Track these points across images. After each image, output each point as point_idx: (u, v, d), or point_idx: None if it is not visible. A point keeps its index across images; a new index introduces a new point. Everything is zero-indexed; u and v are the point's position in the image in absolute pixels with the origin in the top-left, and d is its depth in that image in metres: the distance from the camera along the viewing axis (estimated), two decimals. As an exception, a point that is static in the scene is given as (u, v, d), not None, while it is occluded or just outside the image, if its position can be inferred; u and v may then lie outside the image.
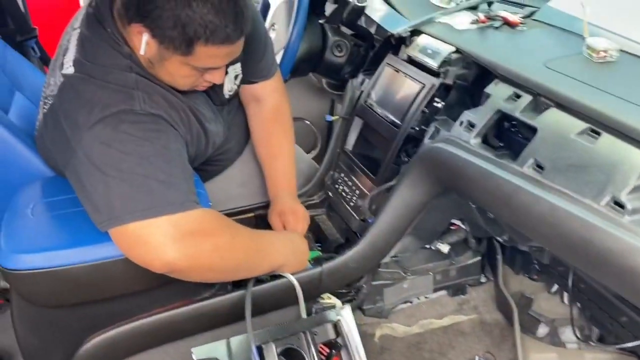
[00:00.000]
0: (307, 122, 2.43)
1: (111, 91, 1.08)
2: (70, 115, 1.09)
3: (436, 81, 1.31)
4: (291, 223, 1.41)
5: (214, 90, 1.32)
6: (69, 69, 1.14)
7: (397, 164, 1.35)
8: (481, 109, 1.16)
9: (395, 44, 1.55)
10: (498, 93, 1.15)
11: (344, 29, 1.90)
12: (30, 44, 1.90)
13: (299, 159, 1.56)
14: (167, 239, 1.02)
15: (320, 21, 1.80)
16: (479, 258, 1.52)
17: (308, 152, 2.30)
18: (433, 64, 1.34)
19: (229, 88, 1.39)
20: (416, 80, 1.36)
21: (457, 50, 1.32)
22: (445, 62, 1.32)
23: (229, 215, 1.56)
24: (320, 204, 1.66)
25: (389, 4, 1.61)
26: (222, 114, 1.39)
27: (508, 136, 1.17)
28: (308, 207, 1.63)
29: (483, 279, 1.58)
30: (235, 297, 1.24)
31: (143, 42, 1.05)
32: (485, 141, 1.15)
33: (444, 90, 1.31)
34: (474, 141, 1.15)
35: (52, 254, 1.08)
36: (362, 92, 1.58)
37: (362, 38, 1.77)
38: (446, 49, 1.34)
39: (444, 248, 1.44)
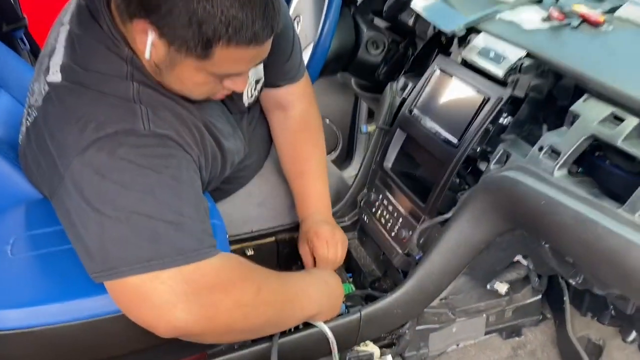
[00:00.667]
0: (327, 120, 2.21)
1: (108, 105, 0.86)
2: (57, 135, 0.88)
3: (504, 93, 1.08)
4: (323, 250, 1.19)
5: (232, 98, 1.10)
6: (55, 75, 0.92)
7: (453, 190, 1.12)
8: (568, 132, 0.93)
9: (445, 43, 1.31)
10: (590, 113, 0.92)
11: (377, 21, 1.67)
12: (18, 34, 1.66)
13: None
14: (177, 298, 0.81)
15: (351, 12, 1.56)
16: (539, 297, 1.30)
17: (328, 153, 2.08)
18: (497, 70, 1.10)
19: (249, 94, 1.17)
20: (478, 89, 1.12)
21: (529, 55, 1.09)
22: (514, 70, 1.09)
23: (247, 240, 1.38)
24: (351, 227, 1.44)
25: (438, -6, 1.36)
26: (241, 125, 1.16)
27: (590, 160, 0.94)
28: (338, 231, 1.42)
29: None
30: (258, 352, 1.04)
31: (148, 44, 0.83)
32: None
33: (511, 104, 1.08)
34: (559, 173, 0.92)
35: (36, 310, 0.86)
36: (404, 99, 1.34)
37: (401, 33, 1.53)
38: (514, 53, 1.10)
39: (502, 288, 1.22)
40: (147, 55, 0.84)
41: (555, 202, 0.89)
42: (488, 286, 1.23)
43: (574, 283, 1.13)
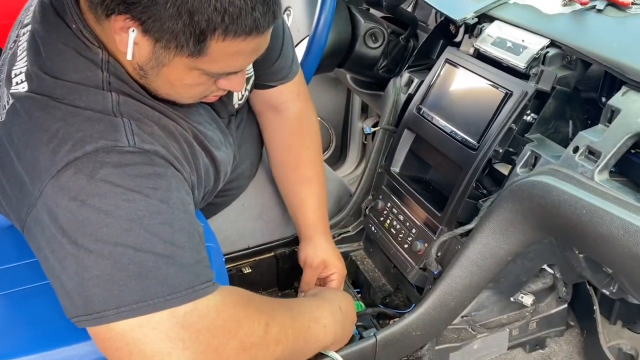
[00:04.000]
0: (318, 118, 2.09)
1: (84, 120, 0.73)
2: (27, 156, 0.75)
3: (528, 87, 0.96)
4: (328, 278, 1.11)
5: (221, 100, 0.97)
6: (20, 85, 0.78)
7: (473, 197, 1.01)
8: (608, 130, 0.83)
9: (452, 33, 1.20)
10: (632, 108, 0.81)
11: (373, 10, 1.54)
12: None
13: (326, 177, 1.21)
14: (172, 345, 0.69)
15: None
16: (564, 306, 1.20)
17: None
18: (518, 62, 1.00)
19: (239, 96, 1.04)
20: (497, 84, 1.01)
21: (553, 43, 0.98)
22: (536, 60, 0.98)
23: (244, 256, 1.26)
24: (356, 237, 1.32)
25: (442, -21, 1.24)
26: (229, 129, 1.04)
27: (627, 159, 0.84)
28: (342, 241, 1.31)
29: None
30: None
31: (130, 42, 0.70)
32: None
33: (535, 99, 0.97)
34: (600, 177, 0.82)
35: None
36: (410, 96, 1.23)
37: (401, 24, 1.41)
38: (536, 42, 1.00)
39: (528, 300, 1.11)
40: (129, 56, 0.71)
41: (599, 211, 0.78)
42: (512, 298, 1.12)
43: (607, 292, 1.02)
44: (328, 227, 1.17)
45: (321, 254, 1.10)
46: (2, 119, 0.80)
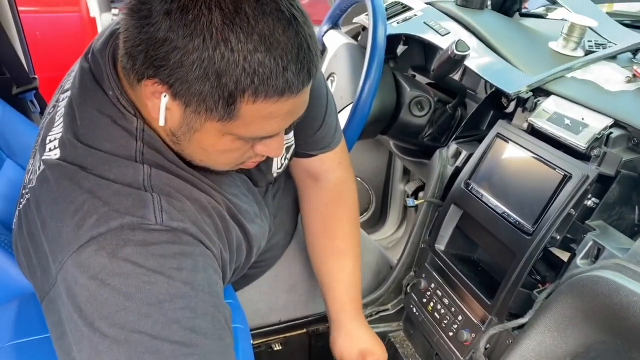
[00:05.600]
0: (358, 178, 2.03)
1: (112, 194, 0.70)
2: (51, 226, 0.71)
3: (589, 170, 0.89)
4: None
5: (259, 170, 0.93)
6: (52, 152, 0.76)
7: (527, 286, 0.92)
8: (684, 225, 0.74)
9: (506, 105, 1.14)
10: None
11: (419, 77, 1.51)
12: (28, 96, 1.54)
13: (363, 248, 1.14)
14: None
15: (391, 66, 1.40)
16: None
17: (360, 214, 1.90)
18: (578, 142, 0.92)
19: (278, 165, 1.00)
20: (554, 164, 0.93)
21: (616, 123, 0.90)
22: (598, 141, 0.91)
23: (274, 332, 1.19)
24: (395, 316, 1.23)
25: (494, 50, 1.19)
26: (265, 199, 0.99)
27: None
28: (380, 320, 1.23)
29: None
30: None
31: (162, 107, 0.67)
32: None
33: (597, 182, 0.89)
34: (677, 278, 0.72)
35: None
36: (457, 168, 1.16)
37: (448, 91, 1.36)
38: (597, 121, 0.92)
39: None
40: (161, 122, 0.68)
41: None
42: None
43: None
44: (361, 308, 1.08)
45: (357, 344, 1.01)
46: (33, 184, 0.78)
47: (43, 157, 0.77)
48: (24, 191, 0.85)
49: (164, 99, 0.66)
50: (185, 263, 0.70)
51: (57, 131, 0.78)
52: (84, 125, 0.75)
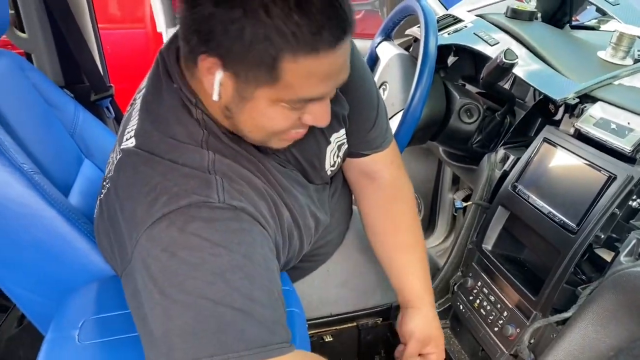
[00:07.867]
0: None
1: (181, 176, 0.78)
2: (127, 207, 0.80)
3: (634, 171, 0.92)
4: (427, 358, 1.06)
5: (313, 166, 1.00)
6: (129, 141, 0.86)
7: (571, 283, 0.95)
8: None
9: (553, 112, 1.17)
10: None
11: (469, 86, 1.56)
12: (104, 103, 1.68)
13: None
14: None
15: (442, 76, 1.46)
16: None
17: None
18: (624, 145, 0.96)
19: (331, 162, 1.07)
20: (599, 166, 0.97)
21: (662, 127, 0.93)
22: (644, 143, 0.94)
23: (326, 324, 1.25)
24: (443, 314, 1.28)
25: (542, 59, 1.24)
26: (323, 197, 1.05)
27: None
28: (428, 318, 1.27)
29: None
30: None
31: (216, 82, 0.74)
32: None
33: (642, 184, 0.92)
34: None
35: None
36: (505, 172, 1.20)
37: (497, 100, 1.40)
38: (643, 125, 0.95)
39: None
40: (215, 96, 0.76)
41: None
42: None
43: None
44: (433, 299, 1.12)
45: (431, 327, 1.06)
46: (112, 174, 0.88)
47: (121, 147, 0.87)
48: (104, 182, 0.95)
49: (218, 75, 0.73)
50: (245, 239, 0.77)
51: (133, 124, 0.88)
52: (157, 114, 0.84)
